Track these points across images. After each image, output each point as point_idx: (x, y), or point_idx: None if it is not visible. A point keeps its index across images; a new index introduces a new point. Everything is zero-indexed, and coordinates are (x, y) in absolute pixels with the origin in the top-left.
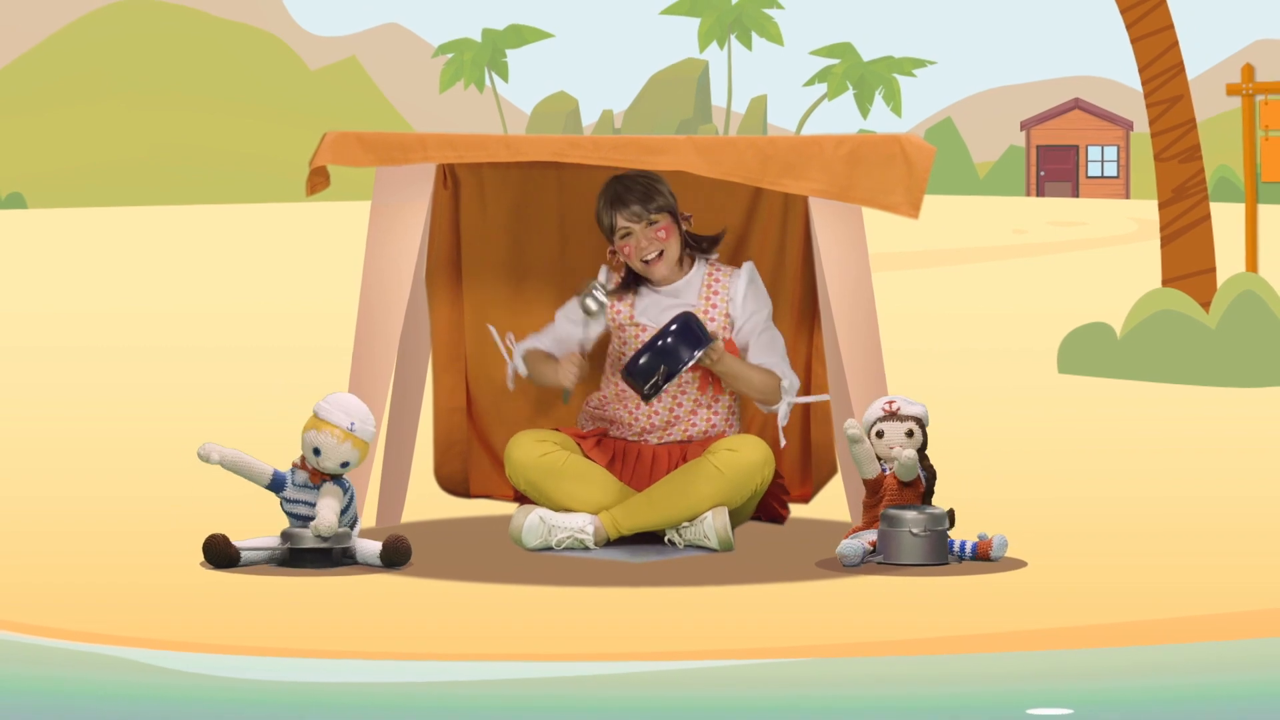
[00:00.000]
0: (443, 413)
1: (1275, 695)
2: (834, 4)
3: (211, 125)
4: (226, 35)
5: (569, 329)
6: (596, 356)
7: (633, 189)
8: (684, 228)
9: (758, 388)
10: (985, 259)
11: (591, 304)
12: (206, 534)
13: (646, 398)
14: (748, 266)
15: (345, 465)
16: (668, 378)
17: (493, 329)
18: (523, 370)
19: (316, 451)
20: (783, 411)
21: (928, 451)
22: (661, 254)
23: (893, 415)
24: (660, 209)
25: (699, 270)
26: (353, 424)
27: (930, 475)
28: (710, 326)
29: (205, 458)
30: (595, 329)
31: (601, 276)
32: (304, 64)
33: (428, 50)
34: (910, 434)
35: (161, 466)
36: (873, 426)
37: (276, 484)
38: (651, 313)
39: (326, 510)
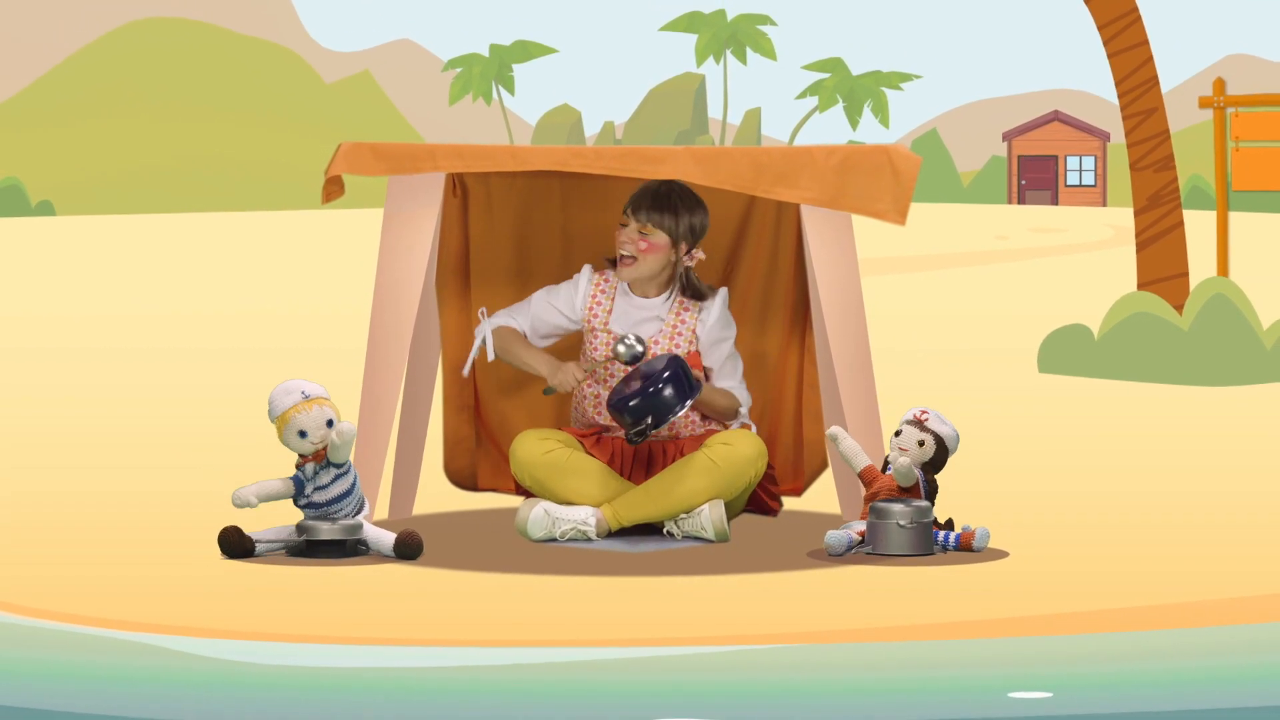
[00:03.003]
0: (452, 411)
1: (1250, 680)
2: (825, 20)
3: (232, 136)
4: (246, 51)
5: (549, 313)
6: (571, 351)
7: (653, 192)
8: (680, 258)
9: (720, 410)
10: (969, 264)
11: (623, 349)
12: (222, 526)
13: (632, 442)
14: (722, 293)
15: (330, 424)
16: (654, 426)
17: (482, 312)
18: (476, 352)
19: (303, 434)
20: (734, 426)
21: (942, 473)
22: (635, 261)
23: (918, 424)
24: (659, 224)
25: (674, 288)
26: (303, 393)
27: (931, 489)
28: (678, 341)
29: (245, 504)
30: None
31: (584, 278)
32: (320, 78)
33: (438, 65)
34: (921, 444)
35: (179, 462)
36: (899, 426)
37: (299, 488)
38: (623, 322)
39: (343, 425)
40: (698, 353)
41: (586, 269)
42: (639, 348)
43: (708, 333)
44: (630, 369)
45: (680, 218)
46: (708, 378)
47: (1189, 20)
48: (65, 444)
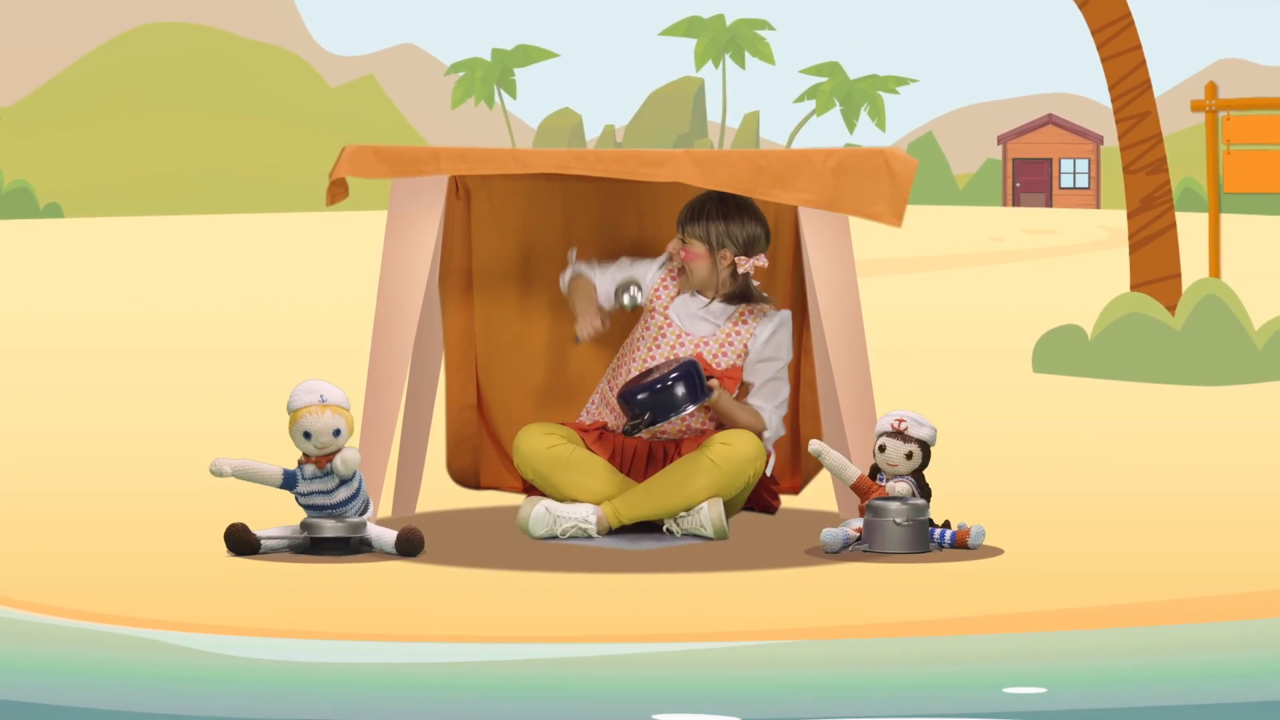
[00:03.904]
0: (454, 410)
1: (1242, 675)
2: (822, 25)
3: (238, 139)
4: (252, 55)
5: (620, 276)
6: (593, 362)
7: (692, 205)
8: (723, 265)
9: (741, 426)
10: (964, 265)
11: (626, 299)
12: (228, 524)
13: (627, 433)
14: (784, 314)
15: (338, 434)
16: (651, 424)
17: (572, 253)
18: (563, 288)
19: (308, 435)
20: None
21: (930, 469)
22: (687, 272)
23: (898, 434)
24: (694, 234)
25: (739, 302)
26: (321, 396)
27: (925, 494)
28: (727, 350)
29: (218, 473)
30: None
31: (658, 262)
32: (324, 82)
33: (440, 69)
34: (910, 456)
35: (187, 461)
36: (878, 439)
37: (289, 482)
38: (680, 312)
39: (350, 453)
40: (740, 368)
41: (666, 253)
42: (640, 298)
43: (757, 350)
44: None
45: (712, 226)
46: (746, 393)
47: (1181, 25)
48: (72, 442)
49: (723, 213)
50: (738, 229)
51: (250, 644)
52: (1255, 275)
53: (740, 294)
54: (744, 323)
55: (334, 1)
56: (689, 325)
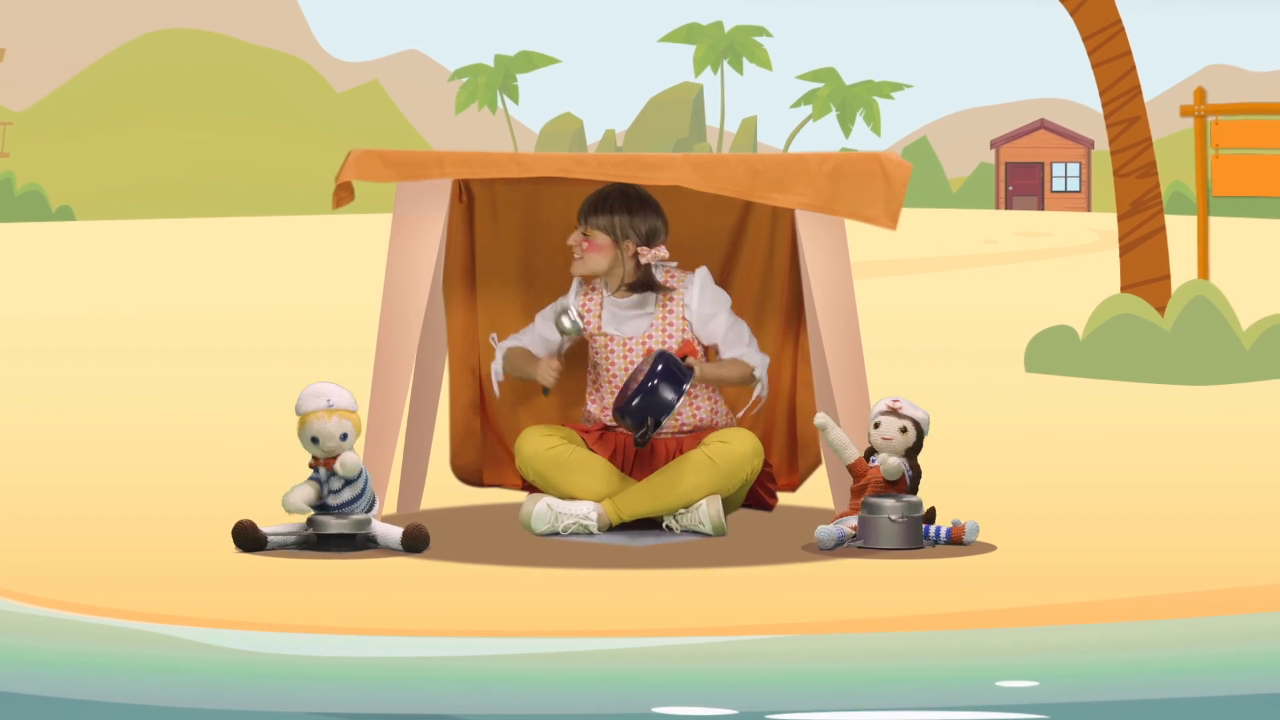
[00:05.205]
0: (458, 408)
1: (1234, 670)
2: (819, 32)
3: (245, 144)
4: (259, 61)
5: (547, 332)
6: (575, 355)
7: (595, 197)
8: (627, 256)
9: (734, 381)
10: (958, 267)
11: (566, 322)
12: (235, 520)
13: (640, 444)
14: (700, 272)
15: (345, 437)
16: (656, 425)
17: (493, 338)
18: (498, 376)
19: (315, 440)
20: (758, 390)
21: (921, 454)
22: (580, 259)
23: (893, 412)
24: (597, 225)
25: (646, 290)
26: (329, 400)
27: (916, 475)
28: (670, 332)
29: (297, 509)
30: (569, 340)
31: (571, 294)
32: (330, 87)
33: (444, 75)
34: (904, 430)
35: (195, 459)
36: (874, 418)
37: (320, 486)
38: (615, 322)
39: (348, 456)
40: (690, 340)
41: (575, 281)
42: (580, 321)
43: (695, 314)
44: (572, 339)
45: (616, 217)
46: (715, 354)
47: (1171, 31)
48: (81, 440)
49: (626, 205)
50: (640, 221)
51: (256, 638)
52: (1243, 277)
53: (645, 282)
54: (670, 300)
55: (340, 8)
56: (626, 330)
